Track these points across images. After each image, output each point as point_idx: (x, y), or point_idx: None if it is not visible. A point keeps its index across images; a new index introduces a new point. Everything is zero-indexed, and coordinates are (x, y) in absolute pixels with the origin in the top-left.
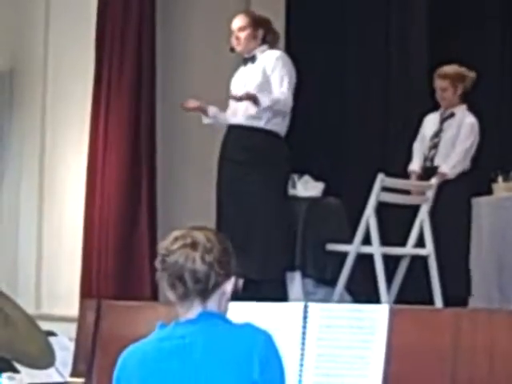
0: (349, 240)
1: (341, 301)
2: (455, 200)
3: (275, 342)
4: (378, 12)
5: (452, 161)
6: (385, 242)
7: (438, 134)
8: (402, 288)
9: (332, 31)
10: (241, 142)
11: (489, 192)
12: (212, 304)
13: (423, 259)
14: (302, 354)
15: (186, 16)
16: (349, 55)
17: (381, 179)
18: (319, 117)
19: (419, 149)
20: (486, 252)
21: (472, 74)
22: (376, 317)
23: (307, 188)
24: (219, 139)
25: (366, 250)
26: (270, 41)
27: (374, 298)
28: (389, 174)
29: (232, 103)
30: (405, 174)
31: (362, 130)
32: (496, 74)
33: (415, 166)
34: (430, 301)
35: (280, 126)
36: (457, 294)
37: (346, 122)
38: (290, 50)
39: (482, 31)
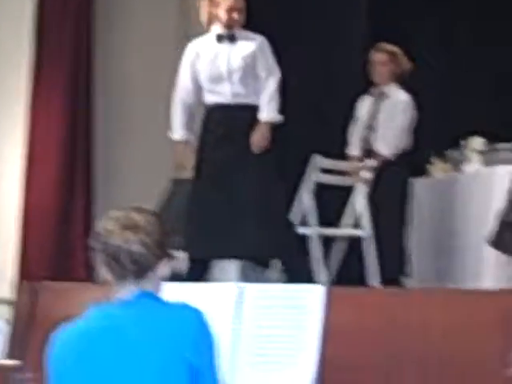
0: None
1: (278, 281)
2: (396, 181)
3: (208, 321)
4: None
5: (390, 141)
6: (324, 223)
7: (372, 116)
8: (340, 268)
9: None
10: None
11: (424, 172)
12: (147, 284)
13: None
14: (237, 335)
15: (125, 10)
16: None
17: (317, 160)
18: None
19: (355, 131)
20: (424, 233)
21: (409, 64)
22: (312, 297)
23: None
24: (161, 134)
25: (304, 230)
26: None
27: (311, 279)
28: (327, 155)
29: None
30: (344, 157)
31: (298, 109)
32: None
33: (353, 149)
34: (363, 281)
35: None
36: (394, 275)
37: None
38: None
39: (421, 21)
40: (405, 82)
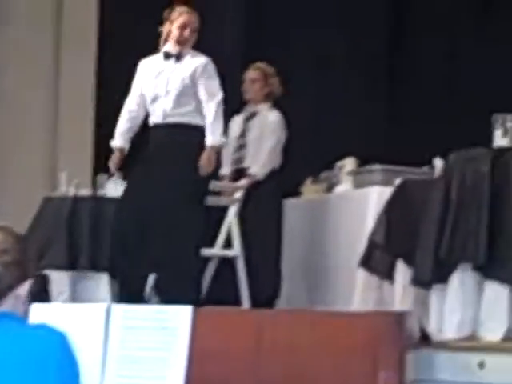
0: None
1: (149, 302)
2: (266, 201)
3: (71, 344)
4: None
5: (260, 161)
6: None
7: (243, 135)
8: (211, 289)
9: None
10: None
11: (298, 193)
12: (5, 306)
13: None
14: (104, 356)
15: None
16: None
17: None
18: None
19: (227, 152)
20: (295, 254)
21: (280, 86)
22: (179, 318)
23: (117, 188)
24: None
25: None
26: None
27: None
28: None
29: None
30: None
31: None
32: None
33: (225, 169)
34: (238, 302)
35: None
36: (267, 295)
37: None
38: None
39: (296, 44)
40: (278, 103)
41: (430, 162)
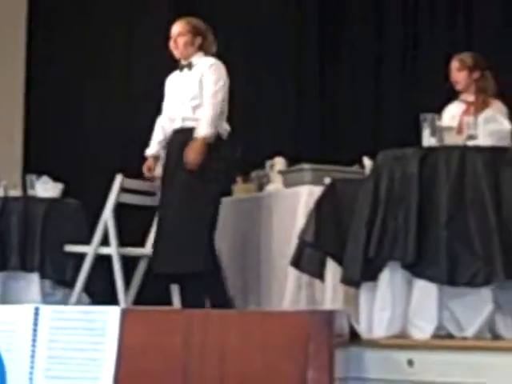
0: (87, 241)
1: (79, 302)
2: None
3: None
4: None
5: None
6: (124, 242)
7: None
8: (142, 289)
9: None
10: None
11: (229, 192)
12: None
13: None
14: (33, 357)
15: None
16: (89, 59)
17: (119, 180)
18: (58, 117)
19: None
20: (229, 254)
21: None
22: (107, 318)
23: (46, 189)
24: None
25: (104, 250)
26: (206, 48)
27: (113, 300)
28: (130, 176)
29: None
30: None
31: (101, 131)
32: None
33: (159, 170)
34: (169, 302)
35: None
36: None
37: (86, 123)
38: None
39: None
40: None
41: (360, 162)
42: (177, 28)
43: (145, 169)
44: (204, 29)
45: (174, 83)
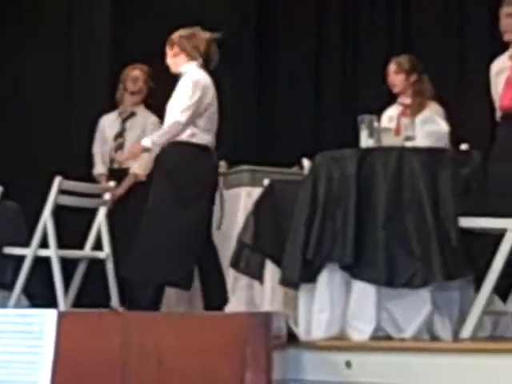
0: (27, 244)
1: (18, 305)
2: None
3: None
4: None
5: (142, 162)
6: (64, 245)
7: (121, 134)
8: (82, 291)
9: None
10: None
11: None
12: None
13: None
14: None
15: None
16: (29, 58)
17: (58, 182)
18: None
19: (100, 151)
20: None
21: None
22: (45, 321)
23: None
24: None
25: (44, 253)
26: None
27: (52, 302)
28: (73, 178)
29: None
30: (88, 177)
31: (40, 132)
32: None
33: (100, 168)
34: (109, 304)
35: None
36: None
37: (25, 124)
38: None
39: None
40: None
41: (299, 163)
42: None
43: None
44: (183, 37)
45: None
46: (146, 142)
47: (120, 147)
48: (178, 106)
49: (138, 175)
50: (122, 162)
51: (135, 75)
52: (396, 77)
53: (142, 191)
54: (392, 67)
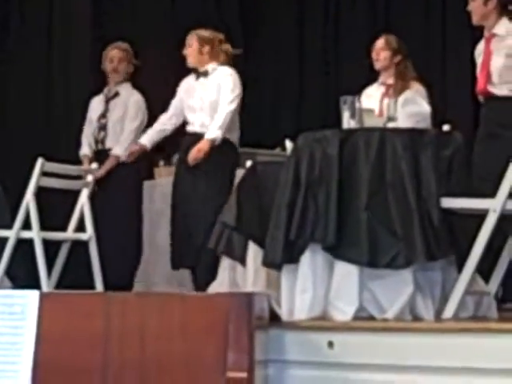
0: (10, 226)
1: (0, 287)
2: (127, 182)
3: None
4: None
5: (124, 143)
6: (47, 226)
7: (104, 115)
8: (65, 273)
9: None
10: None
11: (151, 175)
12: None
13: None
14: None
15: None
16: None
17: (40, 164)
18: None
19: (87, 133)
20: (154, 235)
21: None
22: (26, 302)
23: None
24: None
25: (26, 234)
26: (220, 58)
27: (35, 284)
28: (53, 160)
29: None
30: (75, 159)
31: (23, 114)
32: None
33: (85, 150)
34: (92, 286)
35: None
36: (125, 279)
37: (8, 105)
38: None
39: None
40: (135, 84)
41: (282, 145)
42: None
43: (128, 152)
44: (210, 39)
45: (191, 89)
46: (212, 135)
47: (102, 128)
48: (227, 98)
49: (119, 157)
50: (194, 160)
51: (111, 55)
52: (382, 52)
53: (122, 173)
54: (380, 42)
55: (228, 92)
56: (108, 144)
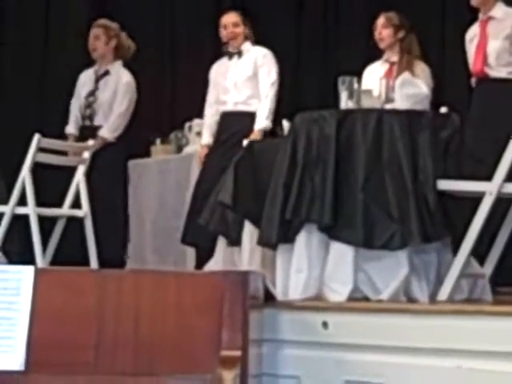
0: (5, 201)
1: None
2: (114, 162)
3: None
4: None
5: (112, 124)
6: (42, 203)
7: (93, 93)
8: (59, 249)
9: None
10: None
11: (147, 154)
12: None
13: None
14: None
15: None
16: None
17: (37, 140)
18: None
19: (74, 108)
20: (145, 213)
21: (130, 42)
22: (21, 278)
23: None
24: None
25: (22, 210)
26: (250, 37)
27: (30, 260)
28: (47, 135)
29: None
30: (63, 135)
31: (19, 90)
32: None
33: (71, 127)
34: (87, 262)
35: None
36: (115, 256)
37: (2, 82)
38: None
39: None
40: (127, 64)
41: (280, 124)
42: (231, 18)
43: (201, 158)
44: (248, 20)
45: (224, 70)
46: (262, 125)
47: (90, 105)
48: (272, 80)
49: (106, 138)
50: None
51: (93, 33)
52: (384, 30)
53: (109, 152)
54: (380, 21)
55: (266, 75)
56: (96, 121)
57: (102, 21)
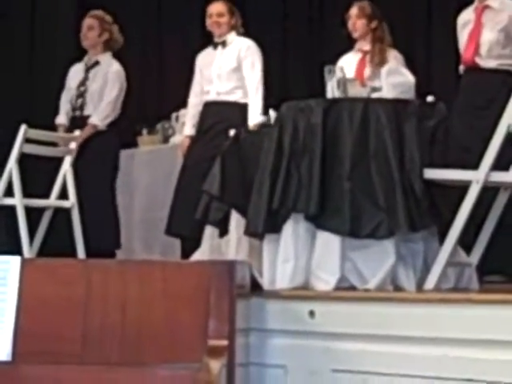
0: None
1: None
2: (106, 150)
3: None
4: None
5: (102, 112)
6: (29, 193)
7: (83, 83)
8: (47, 240)
9: None
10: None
11: (134, 144)
12: None
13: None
14: None
15: None
16: None
17: (23, 131)
18: None
19: (65, 100)
20: (133, 204)
21: (119, 34)
22: (8, 268)
23: None
24: None
25: (9, 201)
26: (237, 28)
27: (17, 251)
28: (37, 127)
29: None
30: (53, 126)
31: (6, 81)
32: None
33: (61, 118)
34: (74, 253)
35: None
36: (105, 247)
37: None
38: None
39: None
40: (116, 54)
41: (267, 113)
42: (217, 8)
43: (183, 150)
44: (234, 9)
45: (209, 60)
46: (257, 119)
47: (81, 95)
48: (258, 74)
49: (96, 126)
50: None
51: (88, 23)
52: (358, 21)
53: (99, 140)
54: (354, 11)
55: (250, 67)
56: (86, 111)
57: (98, 12)
